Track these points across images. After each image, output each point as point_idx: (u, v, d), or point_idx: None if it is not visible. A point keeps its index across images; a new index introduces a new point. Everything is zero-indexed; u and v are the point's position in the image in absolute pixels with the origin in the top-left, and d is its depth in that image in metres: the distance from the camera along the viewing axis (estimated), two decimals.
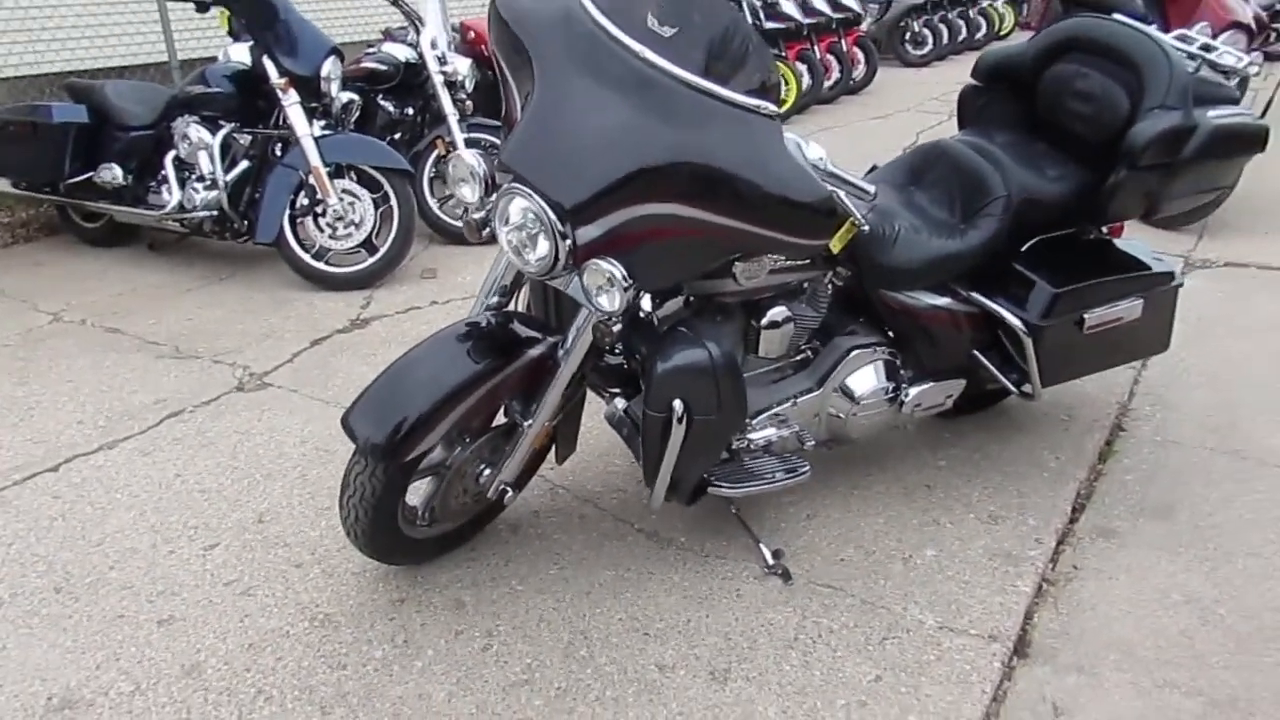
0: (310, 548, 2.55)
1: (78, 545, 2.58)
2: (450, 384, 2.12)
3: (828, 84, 8.69)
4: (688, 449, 2.19)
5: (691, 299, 2.30)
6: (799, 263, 2.29)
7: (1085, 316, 2.58)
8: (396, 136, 5.17)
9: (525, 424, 2.28)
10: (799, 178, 1.97)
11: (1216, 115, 2.57)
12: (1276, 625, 2.26)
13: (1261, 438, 3.07)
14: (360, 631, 2.25)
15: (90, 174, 4.65)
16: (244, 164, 4.44)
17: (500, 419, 2.39)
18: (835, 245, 2.20)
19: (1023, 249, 2.68)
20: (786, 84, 7.89)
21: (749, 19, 7.56)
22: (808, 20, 8.20)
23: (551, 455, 2.56)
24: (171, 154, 4.50)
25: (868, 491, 2.78)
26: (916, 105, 9.12)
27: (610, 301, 1.97)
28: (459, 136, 4.89)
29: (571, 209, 1.92)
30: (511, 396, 2.28)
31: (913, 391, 2.64)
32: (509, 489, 2.35)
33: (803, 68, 8.16)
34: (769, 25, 7.82)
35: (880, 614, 2.29)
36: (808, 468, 2.49)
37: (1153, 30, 2.62)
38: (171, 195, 4.48)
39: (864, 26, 9.42)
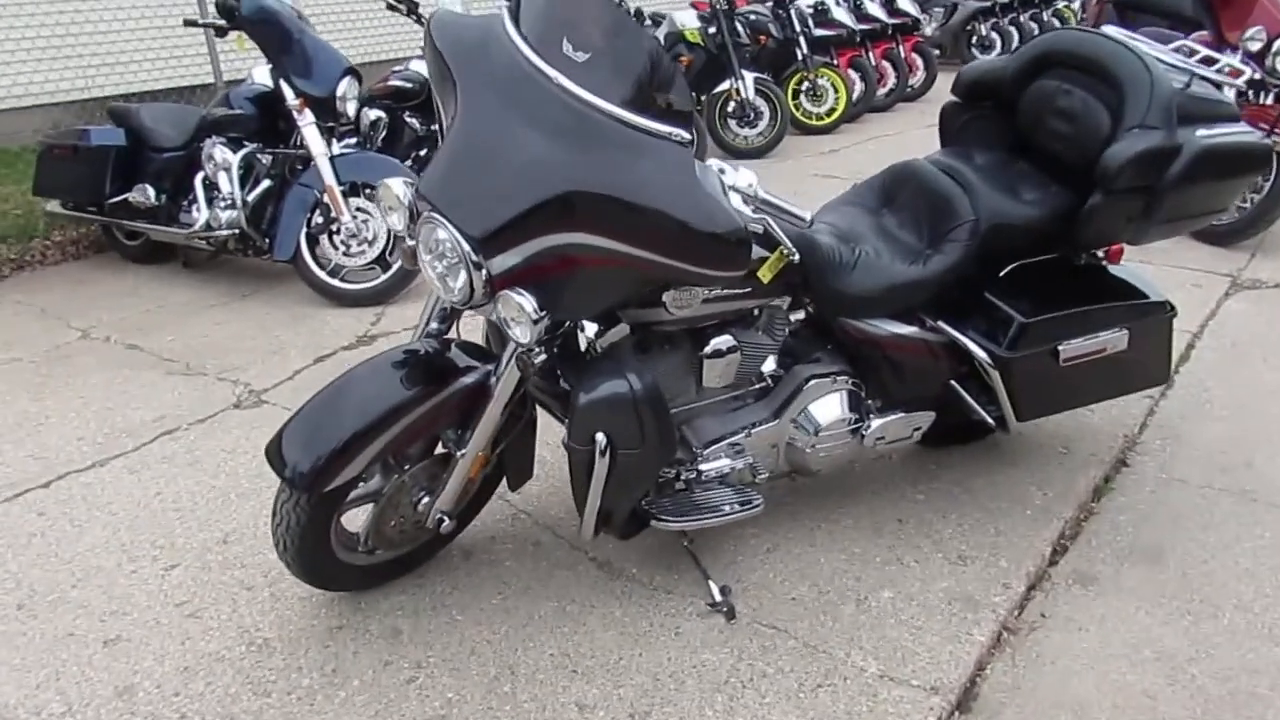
0: (265, 570, 2.57)
1: (49, 563, 2.64)
2: (377, 411, 2.12)
3: (882, 91, 8.49)
4: (614, 482, 2.14)
5: (635, 328, 2.25)
6: (737, 291, 2.21)
7: (1060, 348, 2.44)
8: (424, 153, 5.22)
9: (459, 453, 2.26)
10: (709, 207, 1.90)
11: (1207, 135, 2.40)
12: (1251, 690, 2.10)
13: (1276, 477, 2.86)
14: (293, 658, 2.26)
15: (128, 194, 4.81)
16: (266, 183, 4.53)
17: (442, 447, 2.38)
18: (765, 275, 2.12)
19: (1000, 275, 2.55)
20: (836, 92, 7.72)
21: (798, 26, 7.44)
22: (861, 27, 8.03)
23: (506, 482, 2.53)
24: (200, 174, 4.62)
25: (835, 525, 2.68)
26: None
27: (523, 333, 1.94)
28: None
29: (482, 239, 1.90)
30: (446, 425, 2.26)
31: (875, 424, 2.53)
32: (446, 518, 2.33)
33: (855, 75, 7.99)
34: (819, 32, 7.67)
35: (820, 659, 2.20)
36: (760, 501, 2.41)
37: (1137, 43, 2.47)
38: (200, 214, 4.59)
39: (929, 30, 9.17)
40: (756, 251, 2.11)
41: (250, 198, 4.50)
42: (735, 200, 2.02)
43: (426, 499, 2.33)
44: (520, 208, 1.89)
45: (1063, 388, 2.56)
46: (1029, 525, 2.65)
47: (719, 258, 1.96)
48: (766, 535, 2.64)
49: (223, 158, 4.47)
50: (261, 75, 4.50)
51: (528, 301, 1.90)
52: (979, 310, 2.47)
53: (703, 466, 2.41)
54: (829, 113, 7.77)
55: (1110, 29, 2.56)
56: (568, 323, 2.12)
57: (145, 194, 4.73)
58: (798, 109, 7.76)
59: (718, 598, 2.37)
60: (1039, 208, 2.48)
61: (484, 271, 1.93)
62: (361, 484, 2.29)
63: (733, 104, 7.00)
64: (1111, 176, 2.30)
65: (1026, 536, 2.60)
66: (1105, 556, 2.55)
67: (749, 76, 6.83)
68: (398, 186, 2.12)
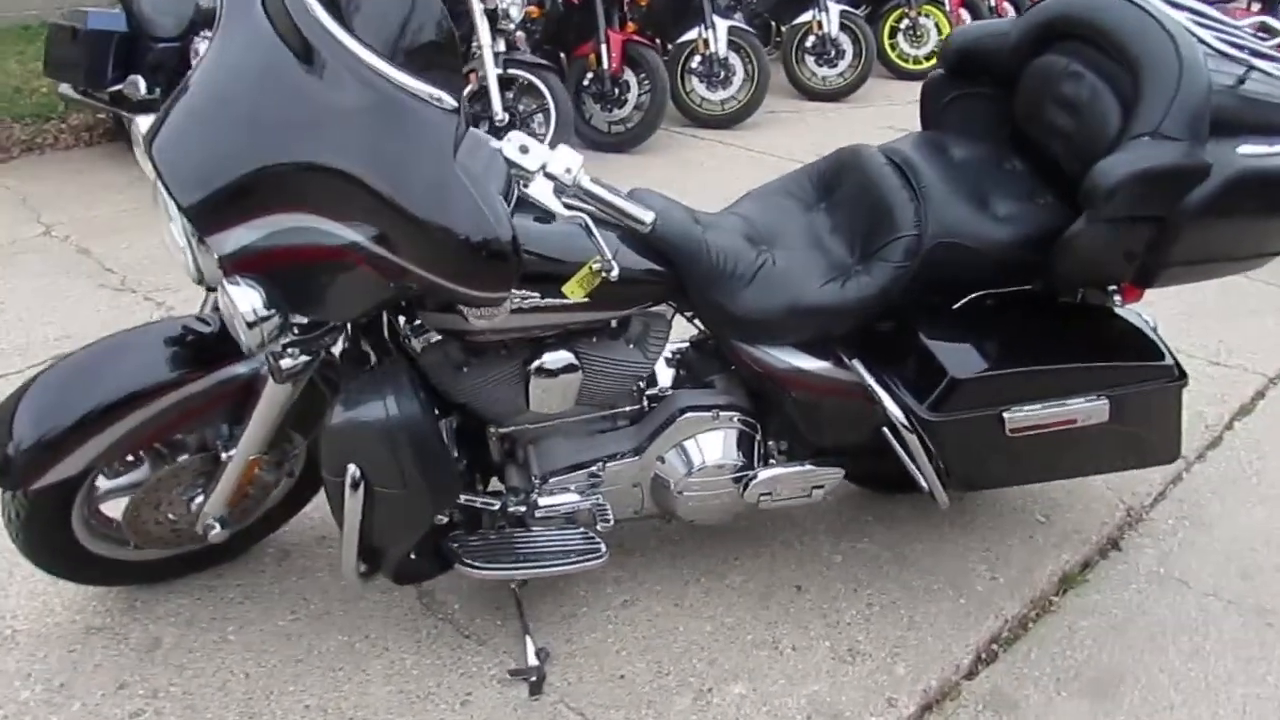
0: None
1: None
2: (115, 395, 1.75)
3: None
4: (375, 523, 1.72)
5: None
6: (565, 301, 1.72)
7: (1005, 415, 1.87)
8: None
9: (225, 455, 1.88)
10: (461, 201, 1.42)
11: (1255, 153, 1.76)
12: None
13: None
14: (29, 661, 1.95)
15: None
16: None
17: None
18: (574, 291, 1.63)
19: (954, 307, 1.98)
20: (940, 33, 6.85)
21: None
22: None
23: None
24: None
25: (718, 582, 2.20)
26: None
27: (243, 334, 1.52)
28: (492, 74, 4.47)
29: (195, 210, 1.48)
30: (209, 419, 1.88)
31: (763, 475, 2.02)
32: (217, 525, 1.96)
33: (966, 16, 7.08)
34: None
35: None
36: (603, 553, 1.96)
37: (1184, 13, 1.82)
38: None
39: None
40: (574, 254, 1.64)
41: None
42: (542, 190, 1.53)
43: (201, 498, 1.96)
44: (235, 175, 1.46)
45: (1011, 462, 1.99)
46: (955, 618, 2.12)
47: (469, 272, 1.49)
48: (629, 584, 2.18)
49: None
50: None
51: (245, 298, 1.49)
52: (910, 352, 1.91)
53: (542, 500, 1.97)
54: (928, 57, 6.89)
55: None
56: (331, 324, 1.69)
57: (136, 86, 4.46)
58: (893, 49, 6.93)
59: (531, 662, 1.94)
60: (1013, 227, 1.88)
61: (209, 250, 1.52)
62: (126, 471, 1.95)
63: (812, 39, 6.28)
64: (1100, 198, 1.69)
65: (947, 634, 2.07)
66: (1041, 675, 2.00)
67: (834, 9, 6.09)
68: (144, 125, 1.69)
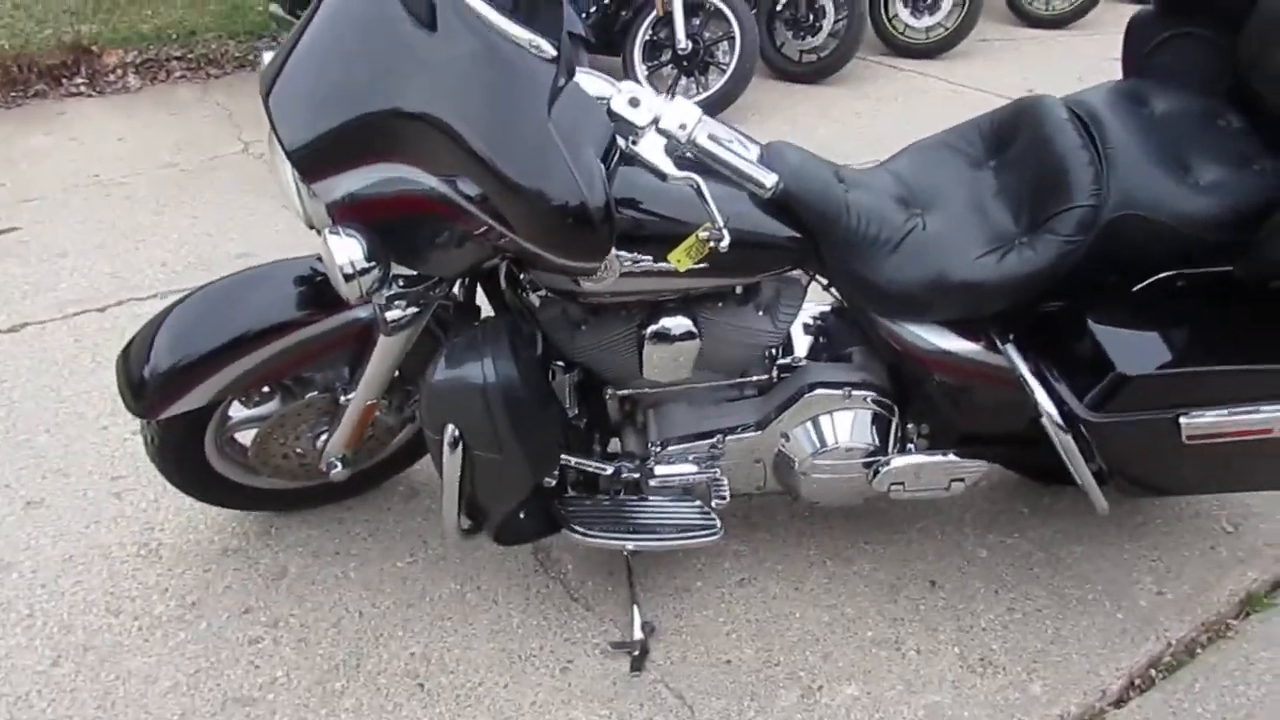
0: None
1: (44, 398, 2.59)
2: (244, 330, 1.77)
3: None
4: (474, 483, 1.68)
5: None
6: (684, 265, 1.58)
7: (1183, 420, 1.61)
8: None
9: (344, 397, 1.89)
10: (549, 164, 1.30)
11: None
12: None
13: None
14: (169, 575, 2.05)
15: None
16: None
17: None
18: (679, 260, 1.49)
19: (1134, 289, 1.71)
20: None
21: None
22: None
23: None
24: None
25: (844, 567, 2.06)
26: None
27: (341, 286, 1.48)
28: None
29: (299, 154, 1.45)
30: (331, 360, 1.89)
31: (896, 463, 1.85)
32: (338, 464, 1.98)
33: None
34: None
35: None
36: (716, 531, 1.86)
37: None
38: None
39: None
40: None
41: None
42: (652, 147, 1.40)
43: (325, 436, 1.99)
44: (339, 121, 1.41)
45: (1184, 471, 1.72)
46: (1109, 635, 1.89)
47: (557, 238, 1.38)
48: (749, 561, 2.07)
49: None
50: None
51: (343, 249, 1.44)
52: (1074, 339, 1.67)
53: (658, 468, 1.88)
54: None
55: None
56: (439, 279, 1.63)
57: None
58: None
59: (636, 635, 1.88)
60: (1217, 198, 1.59)
61: (317, 197, 1.49)
62: (260, 402, 1.99)
63: None
64: None
65: (1096, 653, 1.86)
66: (1205, 712, 1.76)
67: None
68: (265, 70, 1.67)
